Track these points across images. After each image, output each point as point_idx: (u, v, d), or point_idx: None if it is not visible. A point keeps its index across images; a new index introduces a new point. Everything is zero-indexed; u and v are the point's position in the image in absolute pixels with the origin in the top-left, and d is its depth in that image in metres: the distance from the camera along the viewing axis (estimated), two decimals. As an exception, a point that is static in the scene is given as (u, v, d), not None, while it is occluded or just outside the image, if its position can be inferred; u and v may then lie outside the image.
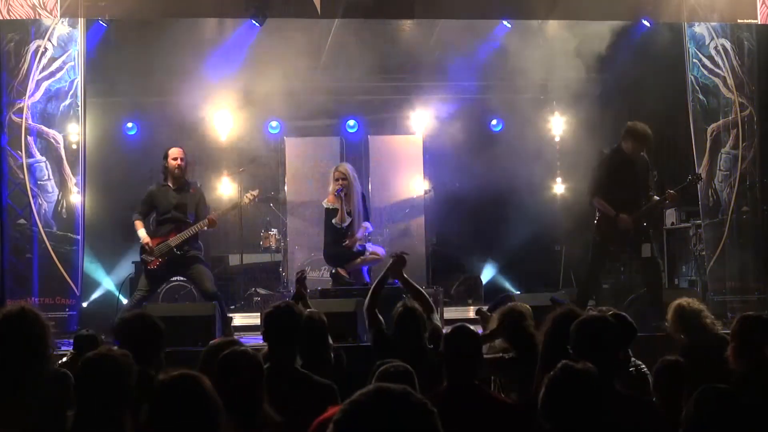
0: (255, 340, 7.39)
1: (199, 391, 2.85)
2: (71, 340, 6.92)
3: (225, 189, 12.15)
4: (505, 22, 10.39)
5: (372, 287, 5.99)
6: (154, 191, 8.45)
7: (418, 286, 6.10)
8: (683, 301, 5.60)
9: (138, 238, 8.38)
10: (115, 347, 4.84)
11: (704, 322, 5.46)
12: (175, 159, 8.36)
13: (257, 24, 9.38)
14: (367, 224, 9.11)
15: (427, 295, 5.99)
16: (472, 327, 4.43)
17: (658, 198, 8.45)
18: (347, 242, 8.83)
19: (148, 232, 8.37)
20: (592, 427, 3.12)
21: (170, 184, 8.39)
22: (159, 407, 2.85)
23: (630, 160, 8.35)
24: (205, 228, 8.44)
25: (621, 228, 8.27)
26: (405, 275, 6.15)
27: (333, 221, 8.68)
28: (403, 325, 5.23)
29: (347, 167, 9.05)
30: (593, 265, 8.66)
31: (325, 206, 8.95)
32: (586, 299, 8.49)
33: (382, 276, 6.10)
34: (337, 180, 8.75)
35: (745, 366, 4.51)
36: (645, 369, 4.86)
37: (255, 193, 8.85)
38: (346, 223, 8.70)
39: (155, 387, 2.89)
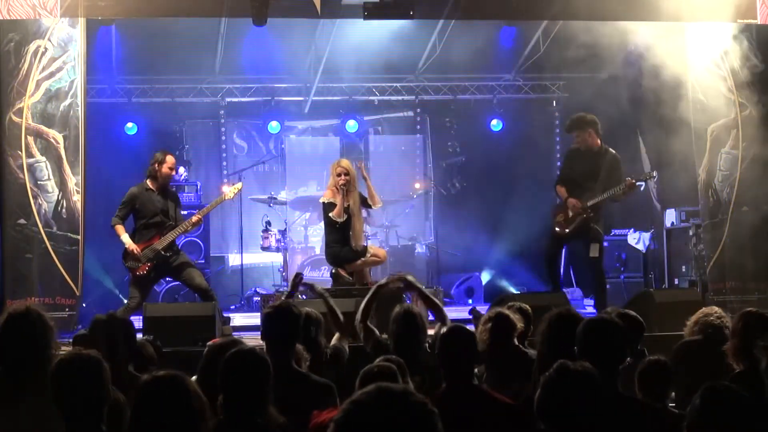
0: (255, 340, 7.40)
1: (184, 390, 2.80)
2: (70, 340, 6.93)
3: (226, 189, 12.13)
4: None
5: (364, 303, 5.94)
6: (137, 193, 8.41)
7: (434, 298, 6.05)
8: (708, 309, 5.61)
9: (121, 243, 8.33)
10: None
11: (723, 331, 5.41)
12: (171, 168, 8.43)
13: (257, 24, 9.38)
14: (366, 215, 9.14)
15: (441, 307, 5.93)
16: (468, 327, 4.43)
17: (617, 188, 8.67)
18: (354, 244, 8.77)
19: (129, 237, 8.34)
20: (587, 427, 3.12)
21: (154, 188, 8.39)
22: (142, 407, 2.82)
23: (589, 153, 8.80)
24: (190, 229, 8.48)
25: (571, 211, 8.66)
26: (421, 288, 6.06)
27: (330, 215, 8.63)
28: (402, 327, 5.21)
29: (349, 162, 9.02)
30: (548, 253, 9.06)
31: (323, 201, 8.79)
32: (557, 287, 8.88)
33: (372, 292, 5.97)
34: (339, 175, 8.68)
35: (744, 363, 4.51)
36: None
37: (238, 186, 8.84)
38: (342, 219, 8.63)
39: (139, 386, 2.84)
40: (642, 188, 8.97)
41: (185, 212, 8.93)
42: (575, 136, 8.94)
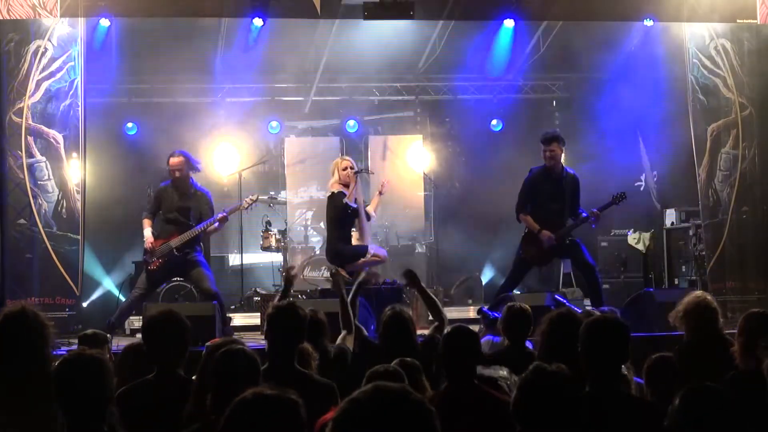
0: (255, 340, 7.40)
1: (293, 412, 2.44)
2: (71, 340, 6.95)
3: (225, 189, 12.12)
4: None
5: (348, 303, 5.90)
6: (162, 190, 8.56)
7: (433, 297, 6.05)
8: (696, 294, 5.57)
9: (143, 236, 8.45)
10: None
11: (711, 317, 5.40)
12: (171, 166, 8.43)
13: (257, 24, 9.39)
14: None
15: (440, 307, 5.93)
16: (471, 327, 4.43)
17: (585, 216, 8.56)
18: (360, 240, 8.79)
19: (154, 232, 8.41)
20: (563, 429, 3.11)
21: (174, 186, 8.45)
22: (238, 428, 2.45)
23: (556, 175, 8.56)
24: (214, 227, 8.42)
25: (545, 245, 8.49)
26: (422, 285, 6.08)
27: (344, 201, 8.55)
28: (390, 329, 5.22)
29: (351, 159, 9.10)
30: (512, 278, 8.86)
31: (332, 192, 8.65)
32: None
33: (353, 293, 5.94)
34: (345, 169, 8.68)
35: (750, 363, 4.50)
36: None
37: (253, 197, 8.90)
38: (354, 204, 8.59)
39: (233, 405, 2.48)
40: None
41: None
42: (549, 150, 8.49)
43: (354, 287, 6.01)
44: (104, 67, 10.48)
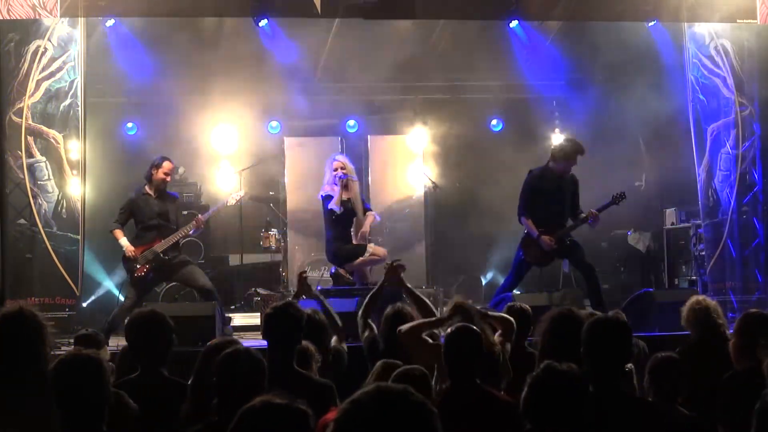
0: (255, 340, 7.39)
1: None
2: (70, 340, 6.94)
3: (225, 189, 12.11)
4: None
5: (368, 297, 5.88)
6: (135, 199, 8.53)
7: (419, 294, 6.03)
8: (697, 298, 5.57)
9: (119, 247, 8.44)
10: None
11: (713, 319, 5.39)
12: (166, 174, 8.48)
13: (257, 24, 9.39)
14: (374, 214, 9.11)
15: (429, 303, 5.91)
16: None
17: (584, 216, 8.54)
18: (358, 237, 8.81)
19: (129, 241, 8.42)
20: (573, 428, 3.11)
21: (151, 192, 8.46)
22: None
23: (557, 178, 8.56)
24: (191, 232, 8.53)
25: (543, 248, 8.50)
26: (407, 283, 6.07)
27: (329, 206, 8.62)
28: (392, 328, 5.22)
29: (345, 158, 9.07)
30: (512, 278, 8.88)
31: (321, 195, 8.81)
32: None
33: (378, 286, 5.96)
34: (335, 169, 8.74)
35: (746, 363, 4.50)
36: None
37: (241, 194, 8.94)
38: (340, 210, 8.63)
39: (241, 413, 2.40)
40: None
41: (185, 212, 8.97)
42: (562, 162, 8.51)
43: (378, 285, 6.01)
44: (104, 67, 10.49)
